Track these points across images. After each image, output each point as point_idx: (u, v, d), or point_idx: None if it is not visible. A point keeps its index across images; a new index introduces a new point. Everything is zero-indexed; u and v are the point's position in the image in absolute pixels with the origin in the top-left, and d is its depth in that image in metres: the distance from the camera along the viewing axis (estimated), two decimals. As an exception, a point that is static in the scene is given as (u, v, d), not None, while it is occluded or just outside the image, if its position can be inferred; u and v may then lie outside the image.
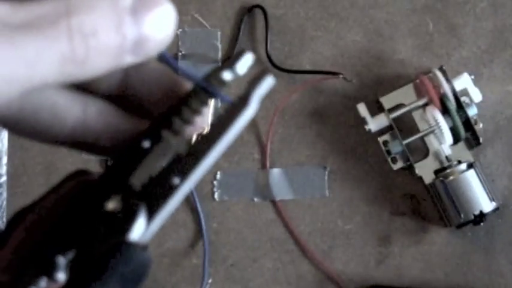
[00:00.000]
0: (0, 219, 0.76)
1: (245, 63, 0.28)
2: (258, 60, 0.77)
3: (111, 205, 0.26)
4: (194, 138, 0.28)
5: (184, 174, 0.27)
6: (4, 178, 0.77)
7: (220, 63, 0.77)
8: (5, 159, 0.77)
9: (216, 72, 0.28)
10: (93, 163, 0.76)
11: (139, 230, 0.26)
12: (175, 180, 0.27)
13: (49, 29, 0.23)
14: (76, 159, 0.76)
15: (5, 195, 0.77)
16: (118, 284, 0.25)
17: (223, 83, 0.28)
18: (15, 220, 0.26)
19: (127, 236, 0.26)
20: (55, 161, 0.77)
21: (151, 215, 0.26)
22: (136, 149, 0.27)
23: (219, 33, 0.77)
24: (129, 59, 0.24)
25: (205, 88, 0.28)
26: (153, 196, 0.26)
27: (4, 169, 0.77)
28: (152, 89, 0.29)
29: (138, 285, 0.26)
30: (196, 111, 0.27)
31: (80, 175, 0.28)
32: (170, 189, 0.26)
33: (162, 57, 0.26)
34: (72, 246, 0.25)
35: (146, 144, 0.27)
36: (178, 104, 0.28)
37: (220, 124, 0.27)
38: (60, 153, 0.77)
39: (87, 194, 0.27)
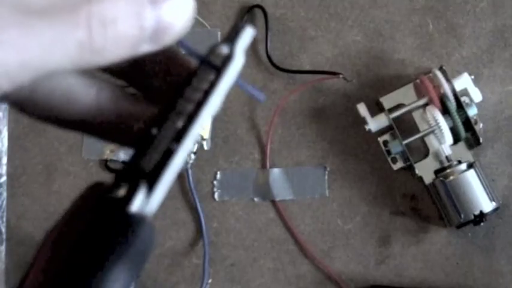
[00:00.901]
0: (1, 219, 0.76)
1: (245, 39, 0.29)
2: (258, 60, 0.77)
3: (121, 192, 0.27)
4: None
5: (178, 138, 0.27)
6: (4, 178, 0.77)
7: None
8: (5, 159, 0.77)
9: (215, 48, 0.29)
10: (93, 163, 0.76)
11: (138, 201, 0.26)
12: (172, 146, 0.27)
13: (68, 16, 0.22)
14: (76, 159, 0.76)
15: (5, 195, 0.77)
16: (127, 257, 0.25)
17: (224, 59, 0.28)
18: (43, 241, 0.27)
19: (127, 208, 0.26)
20: (55, 161, 0.77)
21: (151, 186, 0.27)
22: (145, 137, 0.28)
23: (219, 33, 0.77)
24: (146, 48, 0.24)
25: (208, 62, 0.28)
26: (153, 170, 0.27)
27: (4, 169, 0.77)
28: (158, 66, 0.29)
29: (145, 257, 0.26)
30: (198, 90, 0.28)
31: (96, 186, 0.28)
32: (167, 157, 0.27)
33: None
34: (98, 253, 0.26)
35: (154, 131, 0.28)
36: (182, 86, 0.28)
37: (210, 84, 0.28)
38: (60, 154, 0.77)
39: (104, 199, 0.27)
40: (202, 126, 0.28)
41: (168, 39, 0.25)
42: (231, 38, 0.29)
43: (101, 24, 0.23)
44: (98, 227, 0.26)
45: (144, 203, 0.27)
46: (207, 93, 0.28)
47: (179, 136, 0.27)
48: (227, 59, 0.28)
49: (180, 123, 0.27)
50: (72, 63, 0.23)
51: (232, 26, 0.27)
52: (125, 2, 0.23)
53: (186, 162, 0.75)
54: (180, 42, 0.27)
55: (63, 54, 0.23)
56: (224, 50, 0.28)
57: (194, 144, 0.26)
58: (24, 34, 0.22)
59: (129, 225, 0.26)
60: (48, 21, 0.22)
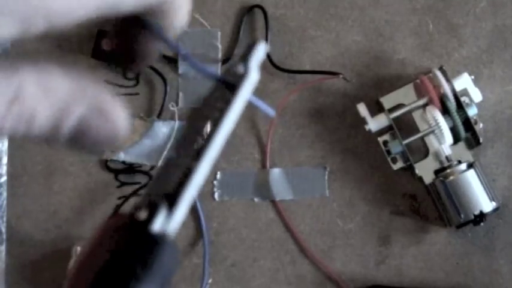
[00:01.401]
0: (1, 219, 0.76)
1: (258, 55, 0.29)
2: (258, 60, 0.77)
3: (143, 215, 0.27)
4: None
5: (198, 157, 0.27)
6: (4, 178, 0.77)
7: (221, 62, 0.77)
8: (5, 159, 0.77)
9: (231, 68, 0.29)
10: (92, 164, 0.76)
11: (159, 221, 0.27)
12: (191, 166, 0.27)
13: None
14: (76, 159, 0.76)
15: (5, 195, 0.77)
16: (152, 278, 0.25)
17: (239, 77, 0.29)
18: (71, 273, 0.27)
19: (149, 228, 0.26)
20: (55, 161, 0.77)
21: (172, 205, 0.27)
22: (165, 163, 0.28)
23: (219, 33, 0.77)
24: None
25: (224, 81, 0.28)
26: (174, 190, 0.27)
27: (4, 169, 0.77)
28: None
29: (170, 276, 0.26)
30: (215, 108, 0.28)
31: (118, 215, 0.28)
32: (186, 175, 0.27)
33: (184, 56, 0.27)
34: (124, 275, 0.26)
35: (173, 154, 0.28)
36: (198, 108, 0.28)
37: (226, 102, 0.28)
38: (60, 154, 0.77)
39: (126, 223, 0.27)
40: (221, 145, 0.28)
41: None
42: (245, 56, 0.29)
43: None
44: (121, 251, 0.26)
45: (166, 222, 0.27)
46: (223, 111, 0.28)
47: (198, 155, 0.27)
48: (242, 76, 0.28)
49: (199, 143, 0.28)
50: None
51: (247, 45, 0.27)
52: None
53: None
54: (195, 65, 0.27)
55: None
56: (239, 68, 0.29)
57: (214, 163, 0.27)
58: None
59: (151, 245, 0.26)
60: None
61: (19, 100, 0.23)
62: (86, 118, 0.25)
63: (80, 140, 0.25)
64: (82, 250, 0.27)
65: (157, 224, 0.26)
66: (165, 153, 0.76)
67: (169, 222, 0.27)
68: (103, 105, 0.25)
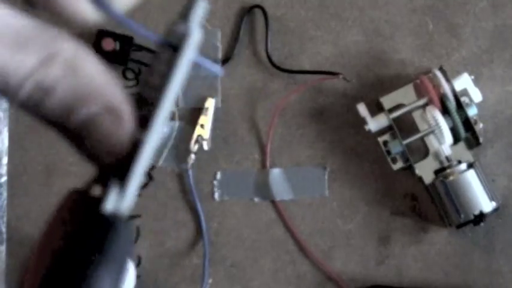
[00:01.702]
0: (0, 218, 0.76)
1: (199, 12, 0.28)
2: (258, 60, 0.77)
3: (97, 191, 0.27)
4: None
5: (145, 127, 0.27)
6: (4, 178, 0.77)
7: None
8: (5, 159, 0.77)
9: (172, 28, 0.28)
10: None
11: (111, 199, 0.26)
12: (139, 136, 0.27)
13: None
14: (76, 159, 0.76)
15: (5, 195, 0.77)
16: (107, 257, 0.25)
17: (180, 37, 0.28)
18: (31, 250, 0.27)
19: (102, 207, 0.26)
20: (55, 161, 0.77)
21: (123, 180, 0.26)
22: None
23: (219, 33, 0.77)
24: None
25: (165, 43, 0.27)
26: (124, 165, 0.27)
27: (4, 169, 0.77)
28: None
29: (126, 253, 0.26)
30: (160, 73, 0.27)
31: (74, 192, 0.28)
32: (135, 149, 0.27)
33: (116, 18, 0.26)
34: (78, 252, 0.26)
35: None
36: (146, 73, 0.28)
37: (170, 65, 0.27)
38: (60, 154, 0.77)
39: (80, 201, 0.27)
40: (167, 112, 0.27)
41: None
42: (185, 14, 0.28)
43: None
44: (76, 234, 0.26)
45: (119, 199, 0.26)
46: (167, 77, 0.27)
47: (146, 124, 0.27)
48: (183, 37, 0.28)
49: (145, 111, 0.27)
50: None
51: (186, 2, 0.27)
52: None
53: (186, 163, 0.75)
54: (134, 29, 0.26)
55: None
56: (180, 28, 0.28)
57: (163, 131, 0.26)
58: None
59: (106, 229, 0.26)
60: None
61: (48, 65, 0.23)
62: (98, 113, 0.24)
63: (84, 133, 0.25)
64: (42, 230, 0.27)
65: (110, 204, 0.26)
66: (165, 152, 0.76)
67: (122, 200, 0.26)
68: (115, 107, 0.25)
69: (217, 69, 0.29)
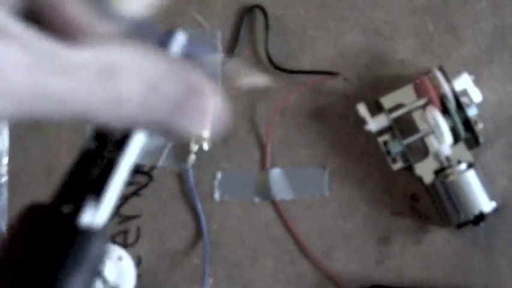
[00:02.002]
0: (1, 219, 0.76)
1: (178, 44, 0.28)
2: (258, 60, 0.77)
3: (67, 208, 0.26)
4: None
5: (120, 147, 0.27)
6: (5, 178, 0.77)
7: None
8: (5, 159, 0.77)
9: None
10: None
11: (88, 213, 0.26)
12: (115, 156, 0.27)
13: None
14: (76, 159, 0.76)
15: (5, 195, 0.77)
16: (80, 269, 0.25)
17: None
18: None
19: (77, 222, 0.26)
20: (55, 161, 0.77)
21: (98, 198, 0.26)
22: (86, 158, 0.27)
23: (219, 33, 0.77)
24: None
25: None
26: (99, 180, 0.27)
27: (5, 169, 0.77)
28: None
29: (99, 265, 0.26)
30: None
31: (35, 206, 0.27)
32: (111, 166, 0.26)
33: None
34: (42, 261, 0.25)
35: (93, 145, 0.27)
36: None
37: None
38: (60, 154, 0.77)
39: (49, 216, 0.26)
40: (144, 132, 0.27)
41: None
42: (164, 44, 0.28)
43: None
44: (46, 245, 0.25)
45: (93, 215, 0.26)
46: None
47: (121, 145, 0.27)
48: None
49: (119, 134, 0.27)
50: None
51: (164, 32, 0.26)
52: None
53: (187, 163, 0.75)
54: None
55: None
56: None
57: (139, 150, 0.26)
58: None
59: (81, 240, 0.25)
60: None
61: (109, 77, 0.22)
62: (181, 98, 0.24)
63: (175, 123, 0.24)
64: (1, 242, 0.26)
65: (85, 217, 0.26)
66: (165, 152, 0.76)
67: (96, 214, 0.26)
68: (197, 85, 0.24)
69: (202, 49, 0.29)
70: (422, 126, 0.72)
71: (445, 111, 0.70)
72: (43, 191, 0.76)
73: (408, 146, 0.72)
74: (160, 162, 0.76)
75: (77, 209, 0.26)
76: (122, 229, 0.75)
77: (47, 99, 0.21)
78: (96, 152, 0.27)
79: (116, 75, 0.22)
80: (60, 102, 0.22)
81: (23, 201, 0.82)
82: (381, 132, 0.73)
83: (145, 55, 0.23)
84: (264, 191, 0.75)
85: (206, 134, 0.76)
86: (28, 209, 0.26)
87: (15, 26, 0.21)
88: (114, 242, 0.74)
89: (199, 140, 0.76)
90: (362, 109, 0.72)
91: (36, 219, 0.26)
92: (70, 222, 0.26)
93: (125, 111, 0.23)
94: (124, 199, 0.76)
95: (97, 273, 0.26)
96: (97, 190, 0.26)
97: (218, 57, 0.77)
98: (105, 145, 0.27)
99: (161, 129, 0.24)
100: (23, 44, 0.21)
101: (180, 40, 0.28)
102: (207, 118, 0.25)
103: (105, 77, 0.22)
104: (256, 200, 0.75)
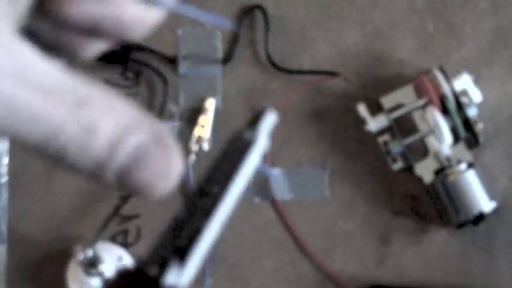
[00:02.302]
0: (1, 219, 0.76)
1: (268, 122, 0.31)
2: (258, 61, 0.77)
3: (153, 270, 0.27)
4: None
5: (207, 216, 0.28)
6: (5, 178, 0.77)
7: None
8: (6, 160, 0.77)
9: (239, 135, 0.31)
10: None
11: (172, 274, 0.27)
12: (202, 224, 0.28)
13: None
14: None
15: (6, 195, 0.77)
16: None
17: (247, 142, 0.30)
18: None
19: (161, 282, 0.27)
20: (55, 161, 0.77)
21: (183, 258, 0.27)
22: (175, 226, 0.29)
23: (219, 33, 0.77)
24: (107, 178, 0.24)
25: (234, 146, 0.30)
26: (184, 246, 0.28)
27: (5, 169, 0.77)
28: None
29: None
30: (224, 172, 0.29)
31: (125, 272, 0.27)
32: (197, 233, 0.28)
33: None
34: None
35: (183, 213, 0.28)
36: (210, 171, 0.29)
37: (234, 165, 0.29)
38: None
39: (137, 279, 0.27)
40: (230, 207, 0.29)
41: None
42: (254, 124, 0.30)
43: (87, 132, 0.22)
44: None
45: (177, 276, 0.27)
46: (231, 175, 0.29)
47: (208, 214, 0.28)
48: (250, 143, 0.30)
49: (208, 203, 0.28)
50: (39, 144, 0.23)
51: (258, 113, 0.30)
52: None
53: (186, 163, 0.75)
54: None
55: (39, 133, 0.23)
56: (247, 135, 0.30)
57: (225, 221, 0.28)
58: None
59: None
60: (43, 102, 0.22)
61: (85, 106, 0.22)
62: (144, 146, 0.23)
63: (135, 171, 0.23)
64: None
65: (169, 278, 0.27)
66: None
67: (180, 276, 0.27)
68: (163, 137, 0.24)
69: (225, 22, 0.30)
70: (422, 126, 0.72)
71: (445, 111, 0.70)
72: (43, 191, 0.76)
73: (408, 146, 0.72)
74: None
75: (162, 271, 0.27)
76: (121, 229, 0.75)
77: (17, 111, 0.22)
78: (186, 221, 0.28)
79: (92, 106, 0.22)
80: (32, 118, 0.22)
81: (23, 201, 0.83)
82: (381, 132, 0.73)
83: (118, 97, 0.23)
84: (264, 191, 0.75)
85: (206, 134, 0.76)
86: (118, 276, 0.26)
87: (6, 35, 0.22)
88: (114, 242, 0.74)
89: (199, 140, 0.76)
90: (362, 109, 0.72)
91: (124, 283, 0.26)
92: (155, 283, 0.26)
93: (94, 145, 0.23)
94: (124, 199, 0.76)
95: None
96: (183, 255, 0.27)
97: (218, 62, 0.77)
98: (195, 214, 0.28)
99: (121, 178, 0.24)
100: (8, 52, 0.21)
101: (270, 119, 0.31)
102: (172, 174, 0.24)
103: (81, 105, 0.22)
104: (256, 200, 0.75)
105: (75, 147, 0.22)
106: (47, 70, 0.22)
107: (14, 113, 0.22)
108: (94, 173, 0.23)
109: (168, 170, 0.24)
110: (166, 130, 0.25)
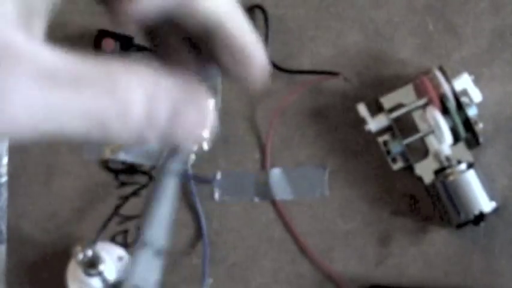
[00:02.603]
0: (1, 219, 0.76)
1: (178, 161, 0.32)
2: (258, 60, 0.77)
3: None
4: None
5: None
6: (5, 178, 0.77)
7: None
8: (5, 160, 0.77)
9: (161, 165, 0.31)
10: (92, 164, 0.76)
11: None
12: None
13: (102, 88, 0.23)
14: (76, 159, 0.76)
15: (5, 195, 0.77)
16: None
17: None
18: None
19: None
20: (55, 161, 0.77)
21: None
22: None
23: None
24: (152, 138, 0.25)
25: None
26: None
27: (5, 169, 0.77)
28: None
29: None
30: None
31: None
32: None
33: None
34: None
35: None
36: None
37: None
38: (60, 154, 0.77)
39: None
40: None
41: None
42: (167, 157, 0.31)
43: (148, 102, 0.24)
44: None
45: None
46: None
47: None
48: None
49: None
50: (85, 135, 0.23)
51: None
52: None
53: (186, 163, 0.75)
54: None
55: (79, 125, 0.23)
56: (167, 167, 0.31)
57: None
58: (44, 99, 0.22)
59: None
60: (76, 90, 0.22)
61: (113, 87, 0.23)
62: (178, 104, 0.25)
63: (171, 132, 0.25)
64: None
65: None
66: (165, 152, 0.76)
67: None
68: (189, 92, 0.25)
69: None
70: (422, 126, 0.72)
71: (445, 111, 0.70)
72: (43, 191, 0.76)
73: (408, 146, 0.72)
74: (161, 162, 0.76)
75: None
76: (121, 229, 0.75)
77: (59, 113, 0.22)
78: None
79: (120, 84, 0.23)
80: (73, 115, 0.22)
81: (22, 201, 0.83)
82: (380, 132, 0.73)
83: (138, 65, 0.24)
84: (264, 191, 0.75)
85: (206, 134, 0.76)
86: None
87: (26, 41, 0.22)
88: (114, 242, 0.74)
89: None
90: (362, 109, 0.72)
91: None
92: None
93: (132, 121, 0.24)
94: (124, 199, 0.76)
95: None
96: None
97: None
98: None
99: (164, 139, 0.25)
100: (31, 60, 0.22)
101: (185, 153, 0.32)
102: (206, 123, 0.26)
103: (110, 87, 0.23)
104: (256, 200, 0.75)
105: (117, 128, 0.23)
106: (68, 64, 0.22)
107: (54, 116, 0.22)
108: (137, 141, 0.24)
109: (200, 122, 0.26)
110: (197, 84, 0.26)
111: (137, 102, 0.23)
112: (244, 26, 0.27)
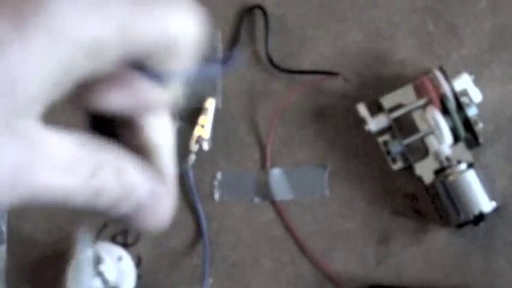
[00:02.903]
0: (1, 219, 0.76)
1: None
2: (258, 60, 0.77)
3: None
4: None
5: None
6: (4, 178, 0.77)
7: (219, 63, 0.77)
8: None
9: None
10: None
11: None
12: None
13: None
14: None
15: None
16: None
17: None
18: None
19: None
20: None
21: None
22: None
23: (219, 33, 0.77)
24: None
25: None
26: None
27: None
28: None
29: None
30: None
31: None
32: None
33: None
34: None
35: None
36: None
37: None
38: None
39: None
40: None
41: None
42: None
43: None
44: None
45: None
46: None
47: None
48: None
49: None
50: None
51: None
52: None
53: (187, 163, 0.75)
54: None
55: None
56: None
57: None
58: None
59: None
60: None
61: (97, 175, 0.24)
62: (142, 203, 0.26)
63: (131, 220, 0.26)
64: None
65: None
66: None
67: None
68: (159, 192, 0.27)
69: (215, 70, 0.29)
70: (422, 126, 0.72)
71: (445, 111, 0.70)
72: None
73: (408, 146, 0.72)
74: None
75: None
76: (121, 229, 0.75)
77: (41, 194, 0.23)
78: None
79: (102, 173, 0.24)
80: (50, 194, 0.23)
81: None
82: (381, 132, 0.73)
83: (124, 156, 0.25)
84: (264, 191, 0.75)
85: (206, 134, 0.76)
86: None
87: (25, 124, 0.23)
88: (114, 242, 0.74)
89: (199, 140, 0.76)
90: (362, 109, 0.72)
91: None
92: None
93: (100, 203, 0.25)
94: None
95: None
96: None
97: (218, 62, 0.77)
98: None
99: (121, 222, 0.26)
100: (28, 141, 0.23)
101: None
102: (164, 220, 0.28)
103: (92, 175, 0.24)
104: (256, 200, 0.75)
105: (84, 205, 0.25)
106: (63, 147, 0.24)
107: (38, 195, 0.23)
108: (101, 216, 0.26)
109: (161, 218, 0.28)
110: (167, 178, 0.27)
111: (111, 191, 0.25)
112: (170, 162, 0.29)
